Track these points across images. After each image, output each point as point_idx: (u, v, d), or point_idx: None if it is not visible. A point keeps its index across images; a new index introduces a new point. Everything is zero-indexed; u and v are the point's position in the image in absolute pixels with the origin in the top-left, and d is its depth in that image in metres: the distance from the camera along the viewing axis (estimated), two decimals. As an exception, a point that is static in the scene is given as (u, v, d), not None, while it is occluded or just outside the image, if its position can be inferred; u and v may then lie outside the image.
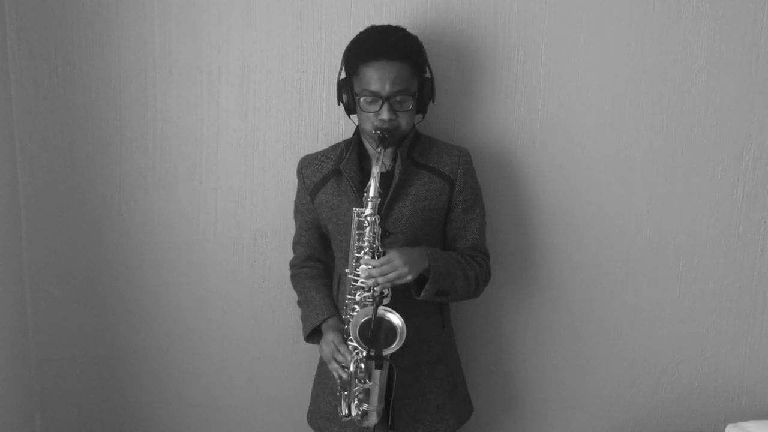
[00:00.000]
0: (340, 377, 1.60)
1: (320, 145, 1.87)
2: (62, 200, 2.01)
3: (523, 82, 1.90)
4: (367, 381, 1.57)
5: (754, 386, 2.06)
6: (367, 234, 1.57)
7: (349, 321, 1.61)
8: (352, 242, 1.60)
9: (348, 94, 1.66)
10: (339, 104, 1.70)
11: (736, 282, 2.00)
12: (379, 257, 1.56)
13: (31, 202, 2.01)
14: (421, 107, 1.70)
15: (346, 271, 1.62)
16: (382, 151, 1.57)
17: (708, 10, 1.85)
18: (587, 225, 1.98)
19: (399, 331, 1.53)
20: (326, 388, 1.78)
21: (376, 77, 1.58)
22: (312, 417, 1.83)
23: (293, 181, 1.87)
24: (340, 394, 1.63)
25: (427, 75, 1.71)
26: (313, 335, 1.73)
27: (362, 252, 1.58)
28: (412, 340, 1.54)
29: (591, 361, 2.06)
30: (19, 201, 2.01)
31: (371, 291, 1.57)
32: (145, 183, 2.00)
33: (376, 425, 1.63)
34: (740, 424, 1.89)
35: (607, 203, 1.96)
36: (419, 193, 1.68)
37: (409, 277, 1.55)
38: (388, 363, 1.57)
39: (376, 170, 1.54)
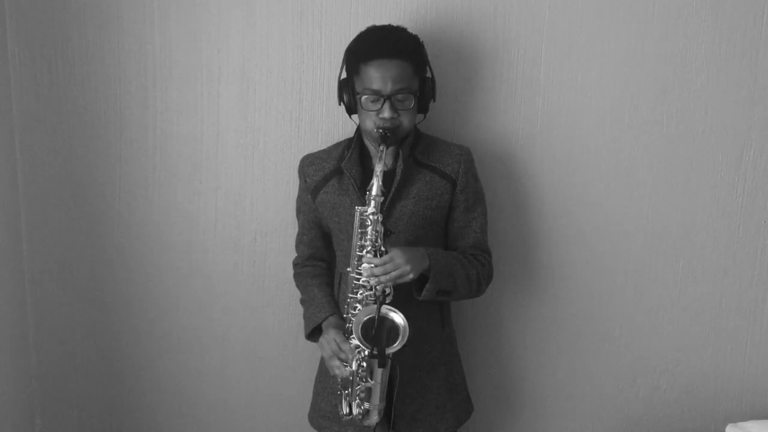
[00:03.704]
0: (341, 375, 1.60)
1: (320, 144, 1.87)
2: (62, 200, 2.01)
3: (523, 81, 1.90)
4: (369, 380, 1.57)
5: (754, 386, 2.06)
6: (369, 233, 1.57)
7: (350, 319, 1.61)
8: (354, 241, 1.60)
9: (349, 93, 1.66)
10: (340, 104, 1.70)
11: (736, 282, 2.00)
12: (381, 256, 1.56)
13: (31, 202, 2.01)
14: (423, 106, 1.71)
15: (348, 269, 1.63)
16: (384, 149, 1.57)
17: (708, 10, 1.85)
18: (587, 225, 1.98)
19: (401, 330, 1.54)
20: (326, 387, 1.78)
21: (378, 76, 1.58)
22: (313, 416, 1.83)
23: (293, 181, 1.87)
24: (341, 393, 1.63)
25: (428, 74, 1.71)
26: (314, 333, 1.73)
27: (364, 251, 1.58)
28: (412, 340, 1.54)
29: (591, 360, 2.06)
30: (19, 201, 2.01)
31: (373, 290, 1.57)
32: (145, 183, 2.00)
33: (377, 424, 1.63)
34: (740, 424, 1.89)
35: (607, 203, 1.97)
36: (421, 192, 1.68)
37: (411, 276, 1.55)
38: (390, 362, 1.57)
39: (378, 169, 1.55)
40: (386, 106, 1.59)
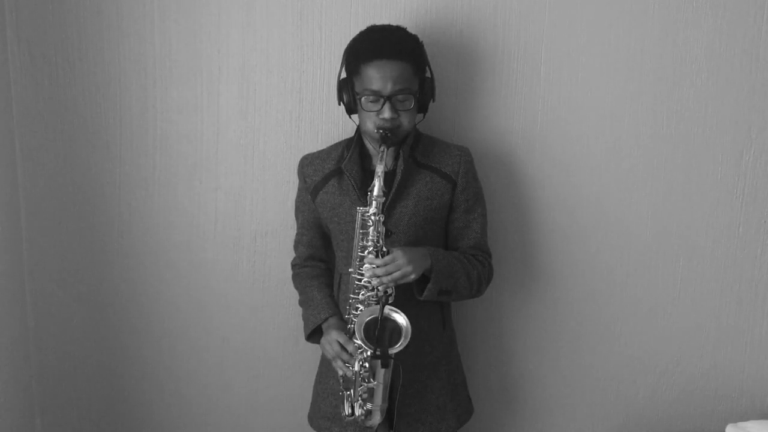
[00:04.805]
0: (344, 375, 1.60)
1: (320, 145, 1.87)
2: (62, 200, 2.01)
3: (523, 81, 1.90)
4: (372, 380, 1.57)
5: (754, 386, 2.06)
6: (370, 233, 1.57)
7: (351, 320, 1.61)
8: (355, 241, 1.60)
9: (349, 93, 1.66)
10: (339, 104, 1.70)
11: (736, 282, 2.00)
12: (382, 256, 1.56)
13: (31, 202, 2.01)
14: (422, 107, 1.71)
15: (350, 270, 1.63)
16: (386, 150, 1.57)
17: (708, 10, 1.85)
18: (587, 225, 1.98)
19: (404, 330, 1.54)
20: (327, 388, 1.78)
21: (378, 76, 1.58)
22: (313, 417, 1.83)
23: (293, 181, 1.87)
24: (343, 394, 1.63)
25: (428, 74, 1.71)
26: (314, 334, 1.73)
27: (366, 251, 1.58)
28: (413, 340, 1.54)
29: (591, 361, 2.06)
30: (19, 201, 2.01)
31: (375, 290, 1.57)
32: (145, 183, 2.00)
33: (378, 425, 1.63)
34: (740, 424, 1.89)
35: (607, 203, 1.96)
36: (421, 192, 1.68)
37: (413, 276, 1.55)
38: (393, 362, 1.57)
39: (380, 169, 1.55)
40: (386, 106, 1.59)
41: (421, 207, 1.68)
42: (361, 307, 1.59)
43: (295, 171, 1.83)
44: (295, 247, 1.87)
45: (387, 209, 1.65)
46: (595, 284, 2.01)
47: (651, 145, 1.93)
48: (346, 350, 1.59)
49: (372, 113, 1.61)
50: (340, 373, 1.61)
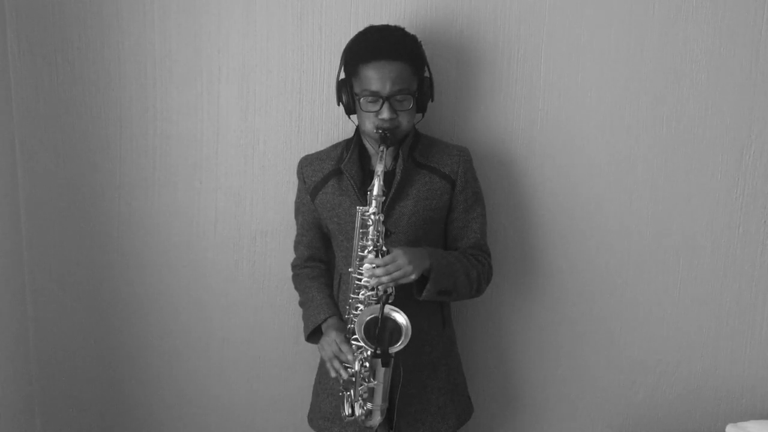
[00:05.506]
0: (341, 377, 1.60)
1: (320, 145, 1.88)
2: (62, 200, 2.01)
3: (523, 81, 1.90)
4: (372, 380, 1.57)
5: (754, 386, 2.06)
6: (370, 233, 1.57)
7: (351, 320, 1.61)
8: (355, 241, 1.60)
9: (347, 94, 1.66)
10: (339, 105, 1.70)
11: (736, 282, 2.00)
12: (382, 256, 1.56)
13: (31, 202, 2.01)
14: (421, 106, 1.71)
15: (350, 270, 1.63)
16: (385, 149, 1.57)
17: (708, 10, 1.85)
18: (587, 225, 1.98)
19: (404, 329, 1.53)
20: (326, 388, 1.78)
21: (377, 77, 1.58)
22: (312, 417, 1.83)
23: (293, 181, 1.87)
24: (342, 394, 1.63)
25: (426, 74, 1.71)
26: (314, 335, 1.74)
27: (366, 251, 1.58)
28: (413, 340, 1.54)
29: (591, 361, 2.06)
30: (19, 201, 2.01)
31: (375, 290, 1.57)
32: (145, 183, 2.00)
33: (378, 425, 1.63)
34: (740, 424, 1.89)
35: (607, 203, 1.96)
36: (420, 193, 1.69)
37: (413, 276, 1.55)
38: (393, 361, 1.57)
39: (379, 169, 1.55)
40: (385, 107, 1.59)
41: (420, 207, 1.68)
42: (362, 307, 1.59)
43: (295, 171, 1.83)
44: (295, 248, 1.87)
45: (386, 209, 1.65)
46: (595, 284, 2.01)
47: (651, 145, 1.93)
48: (344, 351, 1.59)
49: (371, 113, 1.61)
50: (333, 374, 1.61)
